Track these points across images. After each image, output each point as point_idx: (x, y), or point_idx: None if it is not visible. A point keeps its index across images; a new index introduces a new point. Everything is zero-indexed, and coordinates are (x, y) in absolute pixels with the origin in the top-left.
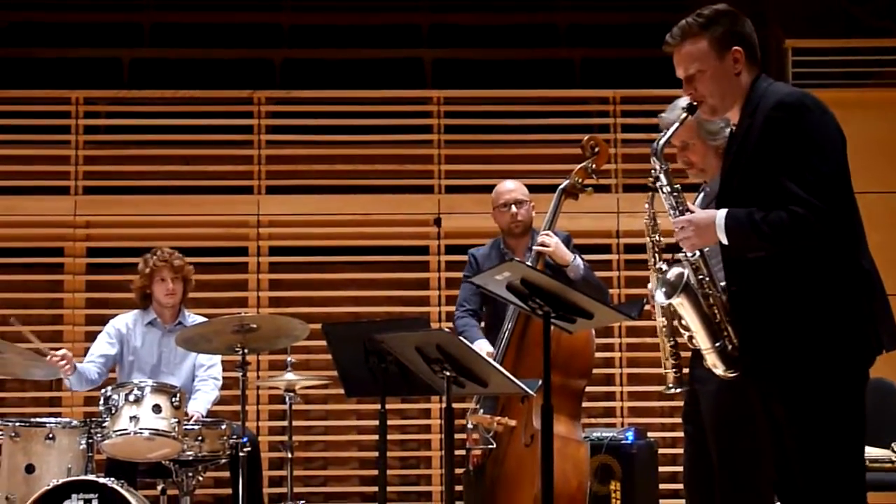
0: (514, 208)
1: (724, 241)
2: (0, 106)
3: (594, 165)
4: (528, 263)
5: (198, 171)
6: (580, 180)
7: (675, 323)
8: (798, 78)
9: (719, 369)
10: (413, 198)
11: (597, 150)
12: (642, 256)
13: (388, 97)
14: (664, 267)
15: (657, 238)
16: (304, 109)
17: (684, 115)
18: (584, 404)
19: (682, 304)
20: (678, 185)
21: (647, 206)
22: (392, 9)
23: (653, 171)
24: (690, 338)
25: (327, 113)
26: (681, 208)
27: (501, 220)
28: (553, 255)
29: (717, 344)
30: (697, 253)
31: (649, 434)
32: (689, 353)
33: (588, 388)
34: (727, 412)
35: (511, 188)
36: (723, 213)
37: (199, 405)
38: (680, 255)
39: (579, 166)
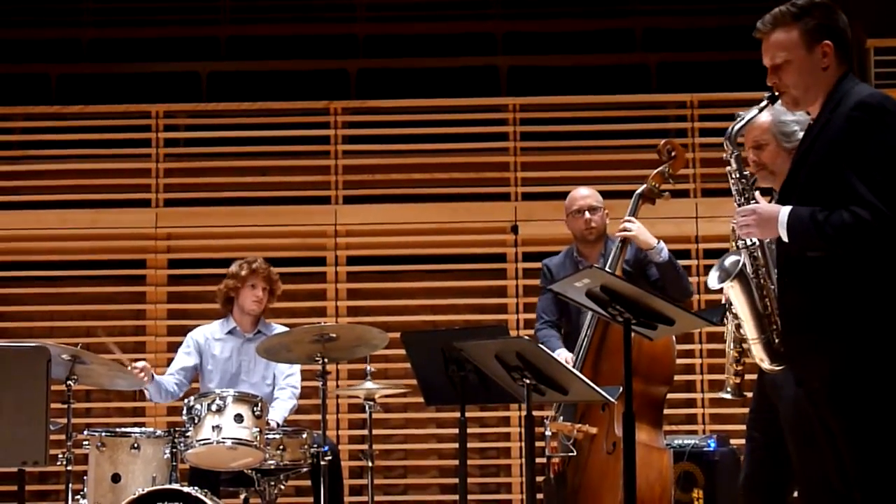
0: (587, 214)
1: (785, 239)
2: (82, 121)
3: (670, 170)
4: (613, 252)
5: (275, 181)
6: (657, 185)
7: (728, 313)
8: (880, 78)
9: (765, 362)
10: (490, 206)
11: (673, 154)
12: None
13: (464, 105)
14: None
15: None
16: (380, 119)
17: (765, 102)
18: (665, 411)
19: (733, 287)
20: (748, 172)
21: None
22: (466, 17)
23: (724, 156)
24: (738, 326)
25: (403, 122)
26: (746, 195)
27: (575, 226)
28: (636, 238)
29: (763, 335)
30: (756, 241)
31: (731, 441)
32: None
33: (669, 395)
34: (807, 417)
35: (585, 194)
36: (786, 210)
37: (277, 413)
38: (739, 242)
39: (656, 171)
